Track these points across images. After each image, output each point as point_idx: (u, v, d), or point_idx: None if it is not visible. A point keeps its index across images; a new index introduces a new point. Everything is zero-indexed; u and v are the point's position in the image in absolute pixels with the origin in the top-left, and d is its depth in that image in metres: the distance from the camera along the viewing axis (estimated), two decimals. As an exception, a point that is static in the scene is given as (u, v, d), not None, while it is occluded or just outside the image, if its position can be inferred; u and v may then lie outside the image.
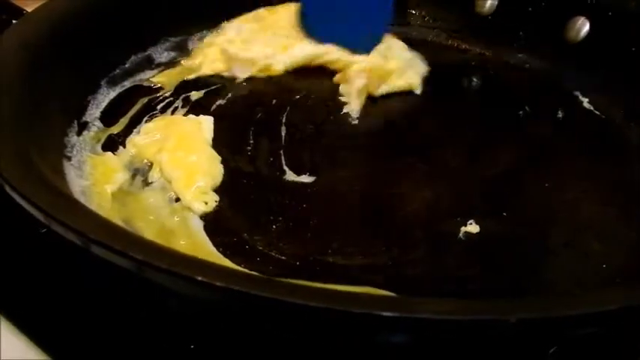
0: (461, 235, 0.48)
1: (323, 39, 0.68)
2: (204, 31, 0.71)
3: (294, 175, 0.53)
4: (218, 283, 0.30)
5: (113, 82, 0.62)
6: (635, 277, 0.45)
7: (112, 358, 0.41)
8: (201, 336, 0.41)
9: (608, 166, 0.56)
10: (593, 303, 0.29)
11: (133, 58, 0.65)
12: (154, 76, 0.65)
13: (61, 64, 0.56)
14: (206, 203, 0.49)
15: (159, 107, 0.61)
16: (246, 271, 0.43)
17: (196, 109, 0.61)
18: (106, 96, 0.61)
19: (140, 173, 0.52)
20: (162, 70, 0.66)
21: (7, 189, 0.37)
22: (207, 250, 0.45)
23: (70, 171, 0.50)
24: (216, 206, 0.50)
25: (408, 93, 0.66)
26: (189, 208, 0.49)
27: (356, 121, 0.61)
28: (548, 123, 0.62)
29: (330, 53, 0.68)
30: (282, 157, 0.55)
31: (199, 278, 0.30)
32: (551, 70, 0.68)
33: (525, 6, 0.70)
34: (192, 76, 0.66)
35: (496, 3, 0.72)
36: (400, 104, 0.64)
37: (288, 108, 0.62)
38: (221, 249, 0.46)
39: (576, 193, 0.53)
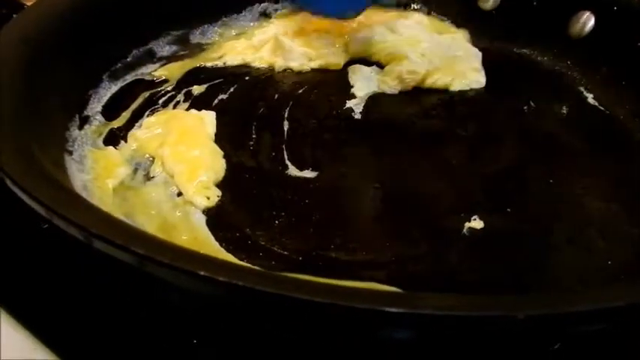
0: (465, 231, 0.47)
1: (314, 10, 0.68)
2: (206, 25, 0.71)
3: (297, 170, 0.53)
4: (221, 278, 0.30)
5: (115, 76, 0.62)
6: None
7: (115, 353, 0.41)
8: (204, 331, 0.41)
9: (613, 162, 0.56)
10: (600, 300, 0.28)
11: (134, 51, 0.65)
12: (155, 70, 0.65)
13: (62, 58, 0.55)
14: (208, 198, 0.49)
15: (161, 101, 0.61)
16: (248, 266, 0.43)
17: (198, 103, 0.61)
18: (107, 90, 0.60)
19: (142, 168, 0.52)
20: (164, 64, 0.66)
21: (9, 183, 0.37)
22: (209, 245, 0.45)
23: (72, 165, 0.50)
24: (219, 201, 0.49)
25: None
26: (191, 203, 0.49)
27: (359, 116, 0.61)
28: (552, 119, 0.61)
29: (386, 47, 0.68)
30: (285, 152, 0.55)
31: (202, 273, 0.30)
32: (556, 66, 0.67)
33: (529, 0, 0.69)
34: (209, 65, 0.66)
35: (499, -2, 0.72)
36: (403, 99, 0.64)
37: (291, 102, 0.62)
38: (223, 244, 0.45)
39: (580, 189, 0.53)
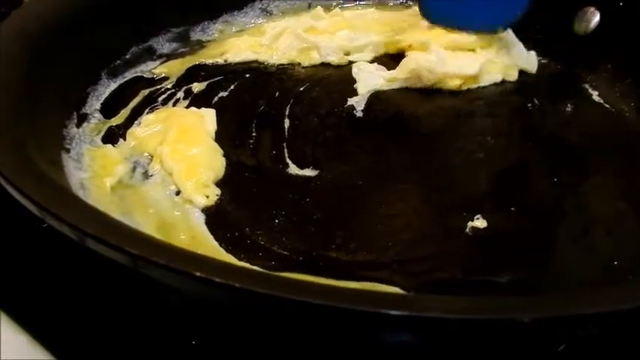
0: (468, 230, 0.47)
1: (447, 23, 0.66)
2: (206, 22, 0.70)
3: (298, 169, 0.52)
4: (217, 280, 0.29)
5: (114, 73, 0.61)
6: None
7: (113, 354, 0.40)
8: (203, 332, 0.40)
9: (618, 160, 0.55)
10: (609, 301, 0.27)
11: (134, 48, 0.64)
12: (155, 68, 0.64)
13: (60, 55, 0.55)
14: (207, 197, 0.49)
15: (160, 99, 0.60)
16: (247, 266, 0.42)
17: (198, 101, 0.60)
18: (106, 87, 0.60)
19: (140, 166, 0.52)
20: (164, 62, 0.65)
21: (1, 181, 0.36)
22: (208, 244, 0.45)
23: (69, 163, 0.49)
24: (218, 200, 0.49)
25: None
26: (190, 202, 0.48)
27: (360, 114, 0.60)
28: (556, 116, 0.60)
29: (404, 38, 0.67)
30: (285, 150, 0.54)
31: (197, 274, 0.29)
32: (560, 63, 0.66)
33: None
34: (209, 62, 0.66)
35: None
36: (405, 96, 0.63)
37: (292, 100, 0.61)
38: (222, 244, 0.45)
39: (585, 187, 0.52)
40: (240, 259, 0.43)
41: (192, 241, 0.45)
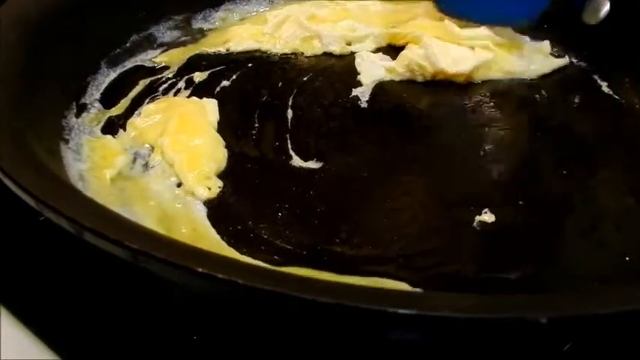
0: (475, 224, 0.46)
1: (463, 14, 0.62)
2: (208, 10, 0.69)
3: (301, 161, 0.51)
4: (220, 275, 0.28)
5: (113, 62, 0.60)
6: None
7: (114, 349, 0.39)
8: (205, 327, 0.40)
9: (628, 154, 0.54)
10: (628, 300, 0.26)
11: (134, 37, 0.63)
12: (156, 56, 0.63)
13: (59, 42, 0.54)
14: (209, 189, 0.48)
15: (161, 89, 0.59)
16: (250, 260, 0.41)
17: (200, 90, 0.59)
18: (106, 77, 0.59)
19: (141, 157, 0.51)
20: (165, 50, 0.64)
21: (-1, 173, 0.35)
22: (209, 238, 0.44)
23: (68, 154, 0.49)
24: (220, 192, 0.48)
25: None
26: (191, 194, 0.47)
27: (365, 105, 0.59)
28: (565, 108, 0.59)
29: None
30: (289, 142, 0.53)
31: (199, 269, 0.28)
32: (569, 53, 0.65)
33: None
34: (211, 51, 0.64)
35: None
36: (410, 87, 0.62)
37: (295, 90, 0.60)
38: (224, 237, 0.44)
39: (594, 181, 0.51)
40: (242, 253, 0.42)
41: (194, 234, 0.44)
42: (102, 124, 0.54)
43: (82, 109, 0.54)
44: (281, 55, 0.65)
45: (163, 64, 0.62)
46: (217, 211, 0.46)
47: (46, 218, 0.34)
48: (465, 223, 0.46)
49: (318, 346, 0.38)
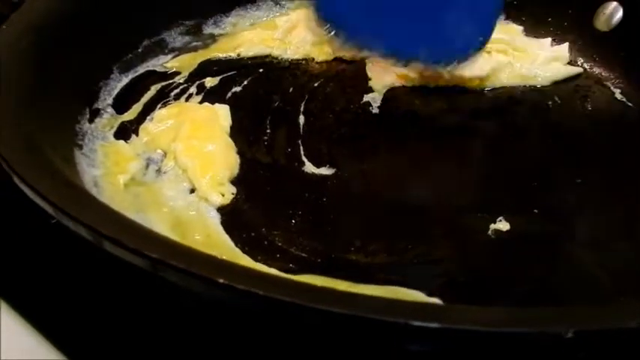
0: (490, 232, 0.45)
1: (364, 42, 0.55)
2: (219, 15, 0.69)
3: (314, 167, 0.51)
4: (240, 286, 0.28)
5: (125, 68, 0.60)
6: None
7: (124, 352, 0.39)
8: (214, 331, 0.40)
9: (642, 161, 0.54)
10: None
11: (145, 42, 0.63)
12: (167, 62, 0.63)
13: (71, 48, 0.54)
14: (223, 195, 0.48)
15: (172, 94, 0.59)
16: (265, 268, 0.41)
17: (211, 96, 0.59)
18: (118, 82, 0.59)
19: (153, 162, 0.51)
20: (176, 55, 0.64)
21: (16, 181, 0.35)
22: (224, 245, 0.43)
23: (82, 160, 0.48)
24: (233, 199, 0.48)
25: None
26: (205, 200, 0.47)
27: (377, 110, 0.59)
28: (578, 115, 0.59)
29: None
30: (301, 148, 0.53)
31: (220, 280, 0.28)
32: (582, 60, 0.65)
33: (554, -8, 0.67)
34: (222, 56, 0.64)
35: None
36: (422, 93, 0.62)
37: (307, 96, 0.60)
38: (239, 244, 0.44)
39: (609, 189, 0.51)
40: (257, 261, 0.42)
41: (208, 240, 0.44)
42: (114, 129, 0.54)
43: (94, 114, 0.54)
44: (292, 60, 0.65)
45: (174, 70, 0.62)
46: (231, 217, 0.46)
47: (57, 222, 0.34)
48: (480, 231, 0.45)
49: (331, 354, 0.38)
